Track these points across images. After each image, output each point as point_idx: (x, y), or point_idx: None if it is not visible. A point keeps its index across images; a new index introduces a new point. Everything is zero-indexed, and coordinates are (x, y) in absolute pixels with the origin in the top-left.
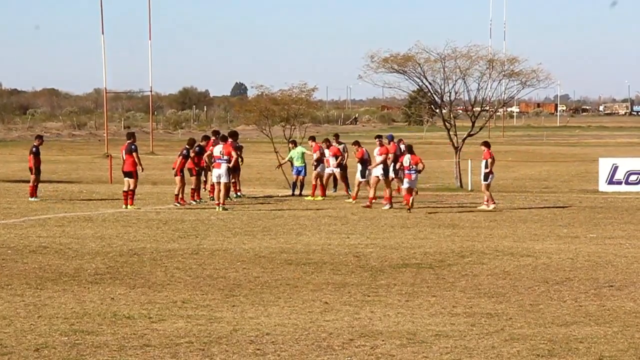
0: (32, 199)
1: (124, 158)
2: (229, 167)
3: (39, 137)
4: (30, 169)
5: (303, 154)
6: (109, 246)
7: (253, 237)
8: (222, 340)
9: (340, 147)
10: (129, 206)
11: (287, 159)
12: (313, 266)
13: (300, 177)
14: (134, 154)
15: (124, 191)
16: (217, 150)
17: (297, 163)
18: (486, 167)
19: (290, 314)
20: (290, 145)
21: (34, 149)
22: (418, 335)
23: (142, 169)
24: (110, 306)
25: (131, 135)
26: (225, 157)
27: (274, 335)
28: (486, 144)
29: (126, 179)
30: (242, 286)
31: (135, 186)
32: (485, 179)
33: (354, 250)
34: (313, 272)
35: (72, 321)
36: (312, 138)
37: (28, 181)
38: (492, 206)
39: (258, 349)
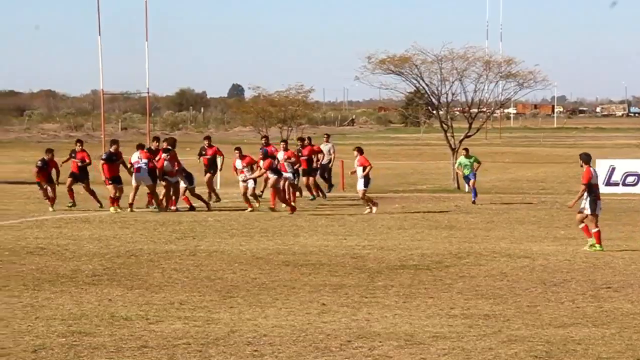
0: (50, 209)
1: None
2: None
3: (49, 151)
4: (39, 183)
5: (472, 163)
6: (107, 247)
7: (250, 238)
8: (219, 341)
9: (327, 147)
10: (111, 208)
11: (456, 165)
12: (310, 267)
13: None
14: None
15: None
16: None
17: (467, 172)
18: (364, 171)
19: (287, 316)
20: (463, 152)
21: (39, 162)
22: (416, 336)
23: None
24: (107, 307)
25: (113, 143)
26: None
27: (272, 336)
28: (359, 150)
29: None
30: (240, 287)
31: (114, 192)
32: (366, 184)
33: (351, 251)
34: (310, 274)
35: (70, 322)
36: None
37: (24, 182)
38: (375, 209)
39: (255, 351)
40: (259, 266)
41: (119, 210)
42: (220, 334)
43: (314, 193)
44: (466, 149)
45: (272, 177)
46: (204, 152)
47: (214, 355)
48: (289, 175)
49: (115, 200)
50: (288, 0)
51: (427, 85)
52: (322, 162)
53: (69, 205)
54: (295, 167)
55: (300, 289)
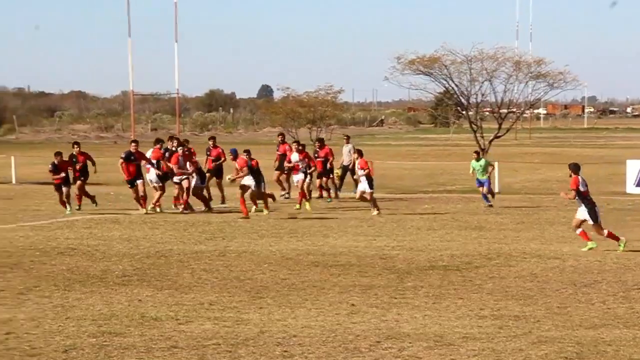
0: (67, 212)
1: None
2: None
3: (58, 154)
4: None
5: (483, 167)
6: (136, 248)
7: (280, 239)
8: (249, 342)
9: (347, 148)
10: (148, 207)
11: (470, 171)
12: (340, 268)
13: (485, 188)
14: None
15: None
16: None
17: (480, 176)
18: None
19: (317, 316)
20: (474, 155)
21: (50, 166)
22: (445, 337)
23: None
24: (137, 308)
25: (132, 142)
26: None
27: (301, 337)
28: (359, 153)
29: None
30: (269, 288)
31: (134, 194)
32: (372, 186)
33: (380, 252)
34: (340, 274)
35: (100, 323)
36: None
37: (53, 183)
38: (376, 212)
39: (285, 351)
40: (288, 267)
41: (149, 210)
42: (250, 335)
43: (323, 194)
44: (477, 152)
45: (249, 183)
46: (208, 153)
47: (243, 356)
48: (300, 177)
49: (141, 201)
50: (319, 1)
51: (456, 85)
52: (343, 164)
53: (94, 205)
54: (310, 170)
55: (330, 289)
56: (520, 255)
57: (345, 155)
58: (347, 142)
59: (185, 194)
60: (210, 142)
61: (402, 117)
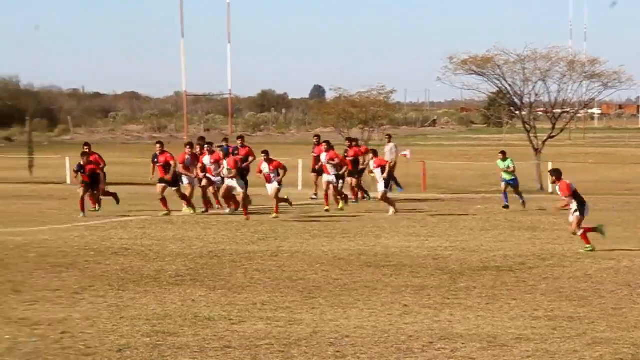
0: (93, 210)
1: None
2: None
3: (85, 154)
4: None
5: (508, 167)
6: (189, 248)
7: (332, 239)
8: (301, 342)
9: (389, 147)
10: (184, 208)
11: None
12: (392, 269)
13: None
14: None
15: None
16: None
17: (507, 176)
18: (383, 172)
19: (369, 317)
20: (500, 155)
21: (76, 167)
22: (498, 338)
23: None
24: (191, 308)
25: (156, 143)
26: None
27: (354, 337)
28: (374, 152)
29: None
30: (322, 288)
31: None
32: (387, 185)
33: (433, 252)
34: (392, 275)
35: (154, 322)
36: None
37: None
38: (392, 210)
39: (338, 352)
40: (340, 267)
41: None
42: (302, 335)
43: (357, 196)
44: (502, 152)
45: (230, 183)
46: (236, 152)
47: (296, 356)
48: (331, 178)
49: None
50: (369, 2)
51: (509, 85)
52: None
53: (81, 215)
54: (342, 170)
55: (382, 290)
56: (574, 255)
57: (387, 154)
58: (389, 141)
59: (215, 194)
60: (239, 142)
61: (455, 117)
